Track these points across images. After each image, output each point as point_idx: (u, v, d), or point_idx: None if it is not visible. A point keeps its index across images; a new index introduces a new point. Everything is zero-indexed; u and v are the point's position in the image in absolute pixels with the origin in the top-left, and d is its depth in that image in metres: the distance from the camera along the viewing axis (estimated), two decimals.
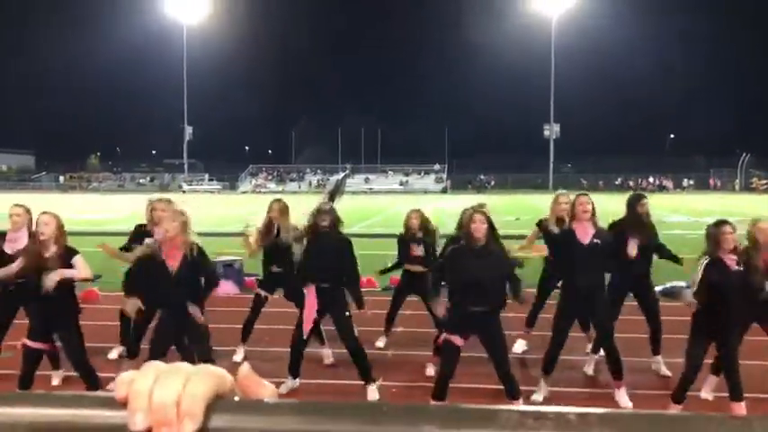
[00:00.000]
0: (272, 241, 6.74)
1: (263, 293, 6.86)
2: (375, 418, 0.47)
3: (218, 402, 0.50)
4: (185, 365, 0.52)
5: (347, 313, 5.75)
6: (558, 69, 72.75)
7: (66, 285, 5.16)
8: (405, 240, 6.99)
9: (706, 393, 5.63)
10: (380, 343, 7.11)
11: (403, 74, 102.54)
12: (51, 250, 5.08)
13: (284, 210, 6.82)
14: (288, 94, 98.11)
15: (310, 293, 5.76)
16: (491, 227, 5.21)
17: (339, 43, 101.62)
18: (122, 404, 0.50)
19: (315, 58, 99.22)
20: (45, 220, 5.11)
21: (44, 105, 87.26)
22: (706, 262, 5.11)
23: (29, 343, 5.12)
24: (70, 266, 5.12)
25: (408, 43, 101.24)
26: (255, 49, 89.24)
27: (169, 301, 5.31)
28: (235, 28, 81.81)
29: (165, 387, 0.49)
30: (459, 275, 5.19)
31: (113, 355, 6.72)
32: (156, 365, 0.52)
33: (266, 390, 0.55)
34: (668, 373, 6.21)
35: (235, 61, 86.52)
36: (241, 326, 6.81)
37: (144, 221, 6.51)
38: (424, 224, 7.00)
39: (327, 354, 6.66)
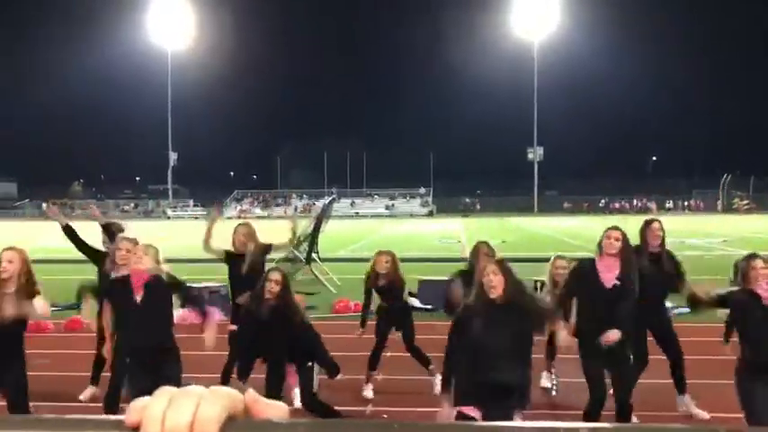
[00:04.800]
0: (237, 270, 6.37)
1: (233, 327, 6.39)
2: None
3: (231, 423, 0.49)
4: (198, 388, 0.52)
5: (309, 363, 5.35)
6: (541, 93, 73.68)
7: (17, 328, 4.84)
8: (369, 287, 6.61)
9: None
10: (368, 392, 6.46)
11: (388, 98, 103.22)
12: (11, 289, 4.74)
13: (251, 235, 6.49)
14: (273, 120, 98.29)
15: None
16: (509, 279, 4.27)
17: (324, 69, 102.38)
18: (134, 430, 0.50)
19: (299, 84, 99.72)
20: (8, 256, 4.78)
21: (26, 132, 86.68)
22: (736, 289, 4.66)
23: None
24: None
25: (393, 68, 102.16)
26: (240, 74, 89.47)
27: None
28: (219, 53, 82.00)
29: (177, 411, 0.49)
30: (469, 341, 4.30)
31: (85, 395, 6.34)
32: (169, 390, 0.52)
33: (277, 409, 0.54)
34: (702, 414, 5.64)
35: (219, 87, 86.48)
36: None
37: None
38: (393, 271, 6.49)
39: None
